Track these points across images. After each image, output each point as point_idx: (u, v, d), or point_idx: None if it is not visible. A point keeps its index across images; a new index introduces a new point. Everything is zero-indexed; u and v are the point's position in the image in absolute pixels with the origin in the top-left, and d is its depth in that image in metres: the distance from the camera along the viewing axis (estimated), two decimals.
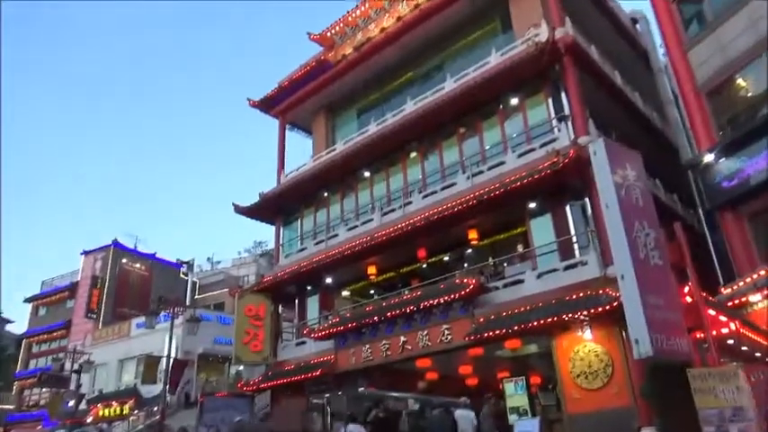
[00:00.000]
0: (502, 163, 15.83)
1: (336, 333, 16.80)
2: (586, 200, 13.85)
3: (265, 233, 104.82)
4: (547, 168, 13.49)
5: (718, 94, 14.47)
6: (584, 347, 12.44)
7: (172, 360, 20.24)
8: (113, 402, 31.05)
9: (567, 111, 15.04)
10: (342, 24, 22.79)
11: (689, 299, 8.10)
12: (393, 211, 18.20)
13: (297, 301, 21.06)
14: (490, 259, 16.55)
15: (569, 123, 14.82)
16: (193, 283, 40.94)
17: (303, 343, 19.25)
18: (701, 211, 15.06)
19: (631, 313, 7.45)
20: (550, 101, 15.70)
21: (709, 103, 14.55)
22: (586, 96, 15.23)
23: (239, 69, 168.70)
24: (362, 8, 22.05)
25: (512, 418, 13.19)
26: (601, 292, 11.98)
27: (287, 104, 24.52)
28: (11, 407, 41.39)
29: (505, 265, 16.07)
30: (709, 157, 13.51)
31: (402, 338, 15.26)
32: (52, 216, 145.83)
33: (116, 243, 42.36)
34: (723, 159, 13.35)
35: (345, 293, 20.74)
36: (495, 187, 14.53)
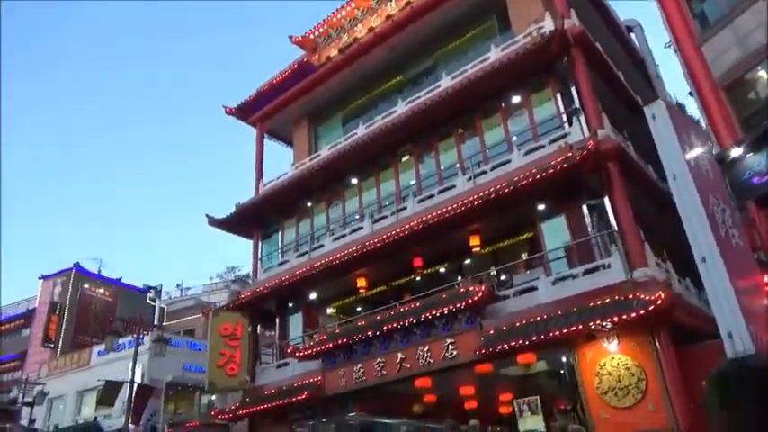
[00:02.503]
0: (507, 162, 14.54)
1: (324, 351, 15.09)
2: (605, 199, 12.66)
3: (239, 258, 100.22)
4: (562, 162, 12.22)
5: (738, 88, 13.51)
6: (611, 360, 10.99)
7: (136, 386, 18.08)
8: None
9: (577, 104, 13.92)
10: (326, 26, 21.58)
11: None
12: (385, 217, 16.69)
13: (277, 319, 19.25)
14: (492, 269, 15.07)
15: (581, 117, 13.67)
16: (161, 310, 38.37)
17: (285, 365, 17.39)
18: None
19: (721, 302, 6.05)
20: (558, 96, 14.59)
21: (728, 97, 13.57)
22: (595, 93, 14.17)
23: (213, 80, 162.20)
24: (348, 8, 20.89)
25: None
26: (631, 296, 10.63)
27: (266, 111, 22.99)
28: None
29: (510, 273, 14.70)
30: (737, 152, 12.41)
31: (400, 355, 13.66)
32: (5, 237, 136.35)
33: (78, 267, 39.59)
34: (751, 154, 12.27)
35: (330, 311, 19.01)
36: (503, 186, 13.19)
